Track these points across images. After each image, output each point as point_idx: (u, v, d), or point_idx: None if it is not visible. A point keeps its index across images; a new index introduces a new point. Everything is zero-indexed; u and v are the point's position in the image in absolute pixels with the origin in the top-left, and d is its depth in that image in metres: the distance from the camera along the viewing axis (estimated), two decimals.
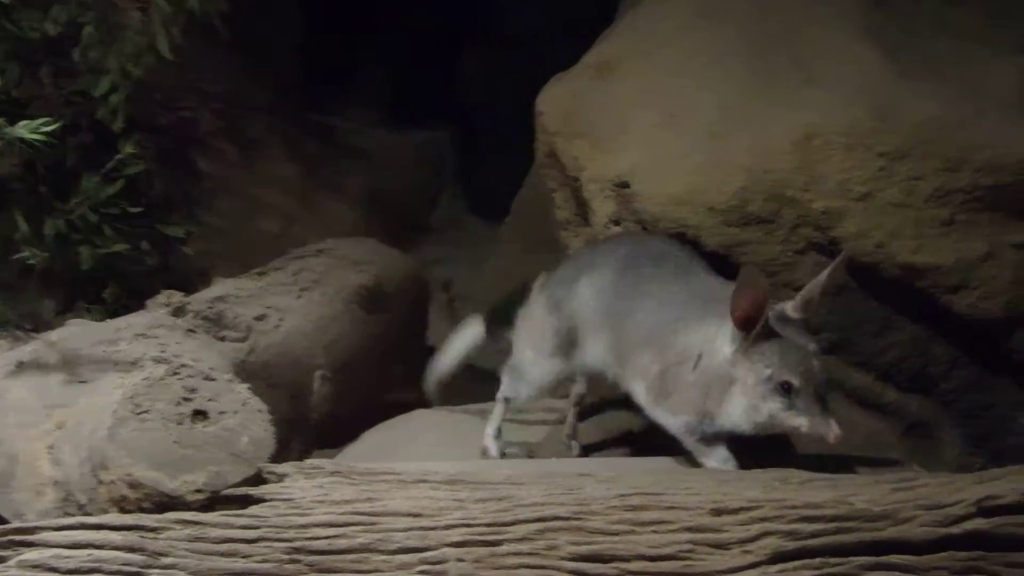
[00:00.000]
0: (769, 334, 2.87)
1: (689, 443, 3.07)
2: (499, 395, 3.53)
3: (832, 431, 2.82)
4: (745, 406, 2.91)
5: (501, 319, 3.58)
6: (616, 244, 3.46)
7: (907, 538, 2.53)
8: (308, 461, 2.66)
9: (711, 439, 3.04)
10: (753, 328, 2.85)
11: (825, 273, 2.93)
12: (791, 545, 2.49)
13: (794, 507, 2.55)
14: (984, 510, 2.57)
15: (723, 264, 3.46)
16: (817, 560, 2.49)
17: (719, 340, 2.96)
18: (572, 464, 3.29)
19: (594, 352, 3.32)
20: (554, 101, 3.93)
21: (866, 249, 3.40)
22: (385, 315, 4.26)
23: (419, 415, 3.88)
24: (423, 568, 2.34)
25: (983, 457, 3.38)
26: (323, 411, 3.81)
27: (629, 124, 3.69)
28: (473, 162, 5.37)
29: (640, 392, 3.15)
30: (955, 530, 2.54)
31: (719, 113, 3.57)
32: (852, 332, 3.48)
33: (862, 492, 2.65)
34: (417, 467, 2.73)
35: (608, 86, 3.81)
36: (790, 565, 2.46)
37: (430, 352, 4.39)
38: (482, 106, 4.82)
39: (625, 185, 3.63)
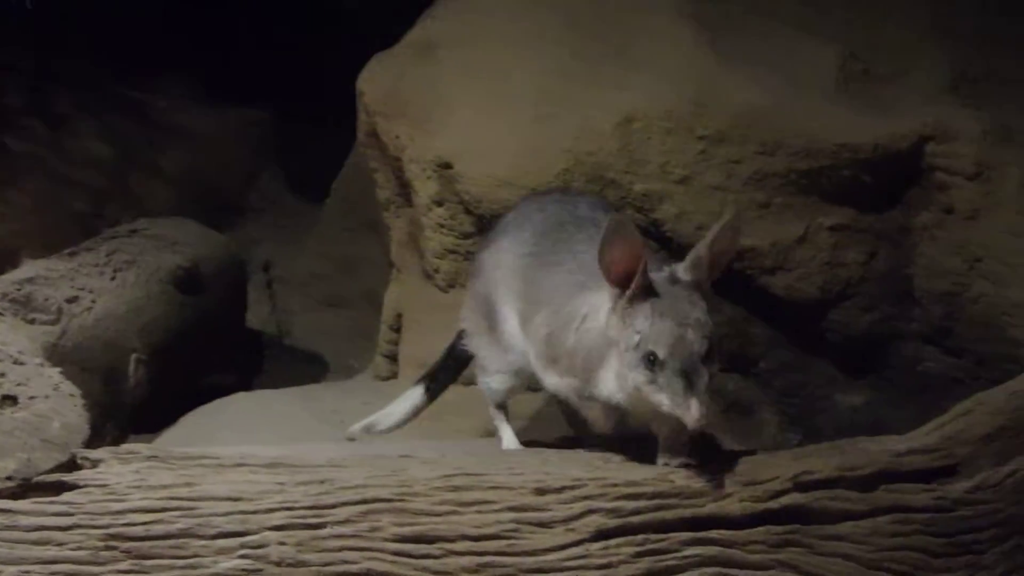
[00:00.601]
0: (649, 294, 2.50)
1: (584, 409, 2.86)
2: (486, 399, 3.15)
3: (690, 414, 2.42)
4: (616, 373, 2.59)
5: (440, 379, 3.26)
6: (542, 201, 3.06)
7: (726, 514, 2.55)
8: (124, 446, 2.55)
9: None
10: (629, 285, 2.50)
11: (714, 229, 2.56)
12: (613, 522, 2.49)
13: (616, 485, 2.55)
14: (800, 485, 2.61)
15: None
16: (639, 537, 2.50)
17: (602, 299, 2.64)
18: (395, 446, 3.24)
19: (512, 324, 2.95)
20: (375, 81, 3.88)
21: (686, 231, 3.43)
22: (202, 297, 4.18)
23: (238, 398, 3.80)
24: (244, 552, 2.29)
25: (799, 434, 3.44)
26: (139, 395, 3.72)
27: (452, 105, 3.66)
28: (294, 141, 5.28)
29: (532, 356, 2.88)
30: (772, 505, 2.57)
31: (542, 96, 3.56)
32: None
33: (677, 469, 2.67)
34: (236, 451, 2.64)
35: (430, 67, 3.77)
36: (612, 542, 2.47)
37: (250, 334, 4.37)
38: (304, 84, 4.73)
39: (448, 166, 3.61)
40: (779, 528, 2.60)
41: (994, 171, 3.42)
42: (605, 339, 2.58)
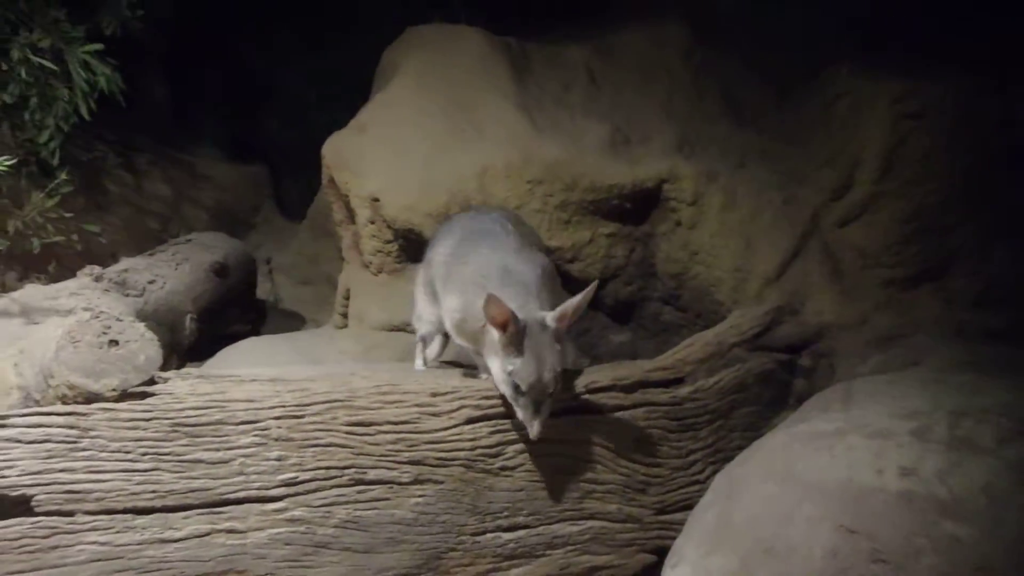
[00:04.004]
0: (523, 336, 2.25)
1: (474, 357, 2.57)
2: (416, 336, 2.89)
3: (533, 431, 2.24)
4: (496, 374, 2.31)
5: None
6: (466, 217, 2.79)
7: None
8: (182, 370, 2.47)
9: None
10: (505, 333, 2.25)
11: (579, 296, 2.33)
12: (477, 413, 2.40)
13: (478, 390, 2.44)
14: (590, 389, 2.54)
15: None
16: (492, 422, 2.41)
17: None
18: (345, 367, 3.06)
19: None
20: (332, 147, 3.64)
21: None
22: (228, 279, 3.97)
23: (251, 341, 3.63)
24: (255, 432, 2.22)
25: (588, 359, 3.27)
26: (191, 340, 3.57)
27: (375, 162, 3.45)
28: (281, 184, 5.10)
29: (447, 324, 2.58)
30: (573, 402, 2.50)
31: (429, 155, 3.36)
32: None
33: None
34: (249, 372, 2.52)
35: (363, 139, 3.54)
36: (477, 425, 2.39)
37: (258, 302, 4.22)
38: (287, 149, 4.53)
39: (376, 199, 3.40)
40: (575, 417, 2.53)
41: (704, 199, 3.29)
42: (495, 347, 2.31)
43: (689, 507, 2.36)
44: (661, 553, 2.30)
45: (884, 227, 2.92)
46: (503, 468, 2.35)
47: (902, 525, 1.97)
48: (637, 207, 3.30)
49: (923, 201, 2.93)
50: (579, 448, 2.43)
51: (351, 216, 3.60)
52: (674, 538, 2.26)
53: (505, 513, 2.31)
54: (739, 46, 3.49)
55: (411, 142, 3.39)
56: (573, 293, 3.27)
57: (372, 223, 3.43)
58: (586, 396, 2.50)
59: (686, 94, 3.49)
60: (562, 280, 3.28)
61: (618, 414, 2.52)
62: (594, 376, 2.57)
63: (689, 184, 3.27)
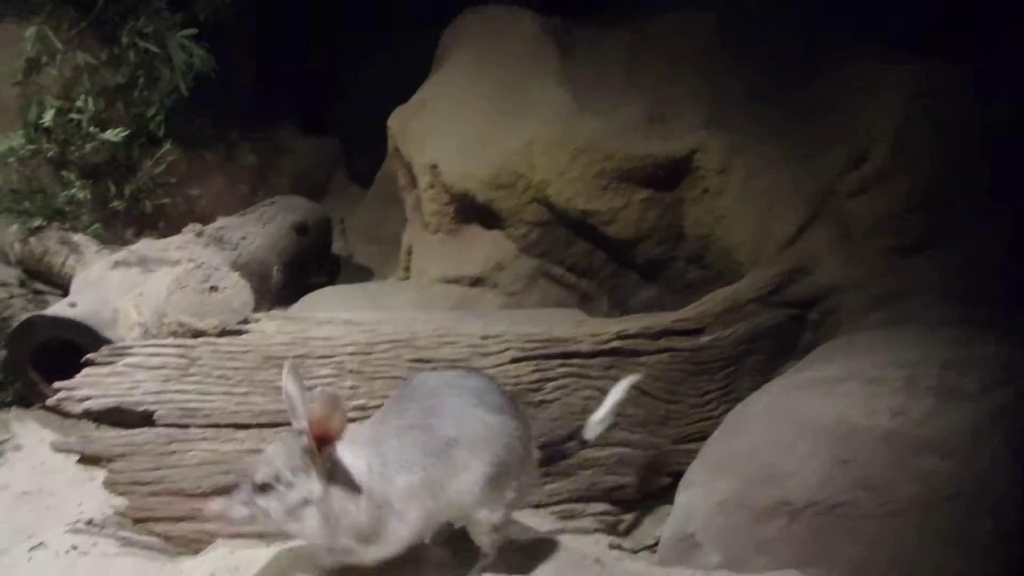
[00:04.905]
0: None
1: None
2: None
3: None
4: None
5: None
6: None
7: (580, 350, 2.59)
8: (270, 312, 2.68)
9: None
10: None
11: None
12: (521, 354, 2.53)
13: (523, 334, 2.57)
14: (620, 336, 2.63)
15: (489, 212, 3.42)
16: (535, 362, 2.54)
17: None
18: (407, 313, 3.22)
19: None
20: (397, 120, 3.79)
21: (561, 201, 3.36)
22: (308, 237, 4.08)
23: (328, 290, 3.78)
24: (332, 364, 2.36)
25: (619, 311, 3.39)
26: (277, 288, 3.68)
27: (434, 133, 3.58)
28: (353, 154, 5.20)
29: None
30: (605, 347, 2.61)
31: (482, 127, 3.48)
32: (554, 246, 3.45)
33: (559, 326, 2.68)
34: (326, 315, 2.69)
35: (424, 112, 3.68)
36: (521, 364, 2.51)
37: (333, 257, 4.35)
38: (357, 122, 4.66)
39: (435, 166, 3.53)
40: (608, 359, 2.62)
41: (730, 169, 3.35)
42: None
43: (703, 439, 2.49)
44: (676, 477, 2.43)
45: (890, 199, 2.96)
46: (542, 401, 2.49)
47: (888, 459, 2.08)
48: (669, 175, 3.37)
49: (928, 176, 2.97)
50: (608, 386, 2.55)
51: (413, 181, 3.72)
52: (688, 464, 2.40)
53: (542, 439, 2.47)
54: (764, 32, 3.51)
55: (466, 115, 3.51)
56: (610, 254, 3.41)
57: (431, 188, 3.55)
58: (617, 342, 2.62)
59: (714, 77, 3.53)
60: (599, 240, 3.41)
61: (644, 358, 2.64)
62: (625, 324, 2.68)
63: (717, 155, 3.33)
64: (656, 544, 2.27)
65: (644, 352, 2.64)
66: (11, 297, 3.20)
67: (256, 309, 2.52)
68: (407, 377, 2.01)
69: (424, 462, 1.80)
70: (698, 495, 2.19)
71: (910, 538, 1.95)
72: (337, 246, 4.42)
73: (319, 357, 2.36)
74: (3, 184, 3.30)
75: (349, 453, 1.76)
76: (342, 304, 3.38)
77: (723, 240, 3.33)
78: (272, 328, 2.43)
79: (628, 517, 2.52)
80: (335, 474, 1.73)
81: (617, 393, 2.11)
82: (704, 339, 2.74)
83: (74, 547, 2.16)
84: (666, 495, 2.48)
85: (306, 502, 1.72)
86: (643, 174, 3.36)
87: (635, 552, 2.29)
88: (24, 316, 2.80)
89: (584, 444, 2.10)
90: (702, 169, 3.36)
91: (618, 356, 2.61)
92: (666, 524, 2.25)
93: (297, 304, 3.52)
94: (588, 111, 3.42)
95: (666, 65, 3.58)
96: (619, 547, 2.29)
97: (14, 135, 3.49)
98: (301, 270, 3.93)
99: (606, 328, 2.66)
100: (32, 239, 3.30)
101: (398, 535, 1.79)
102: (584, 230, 3.40)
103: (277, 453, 1.74)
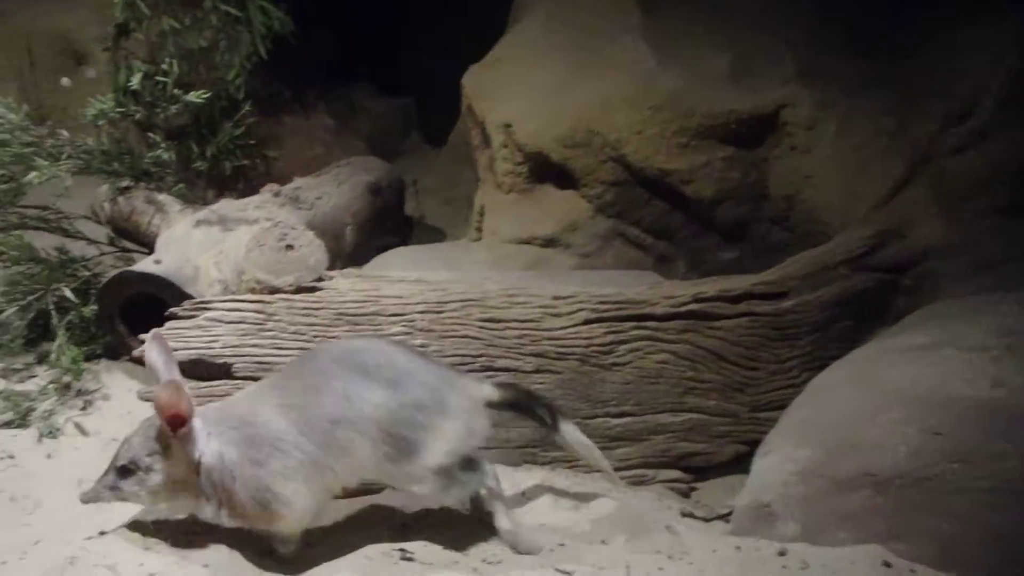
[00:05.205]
0: None
1: None
2: None
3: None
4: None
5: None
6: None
7: (654, 313, 2.56)
8: (344, 271, 2.70)
9: None
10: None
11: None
12: (593, 316, 2.50)
13: (595, 295, 2.55)
14: (696, 299, 2.57)
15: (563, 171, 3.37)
16: (607, 324, 2.51)
17: None
18: (479, 273, 3.22)
19: None
20: (471, 79, 3.76)
21: (638, 160, 3.29)
22: (381, 198, 4.09)
23: (400, 250, 3.79)
24: (403, 322, 2.40)
25: (697, 274, 3.29)
26: (350, 247, 3.71)
27: (508, 92, 3.54)
28: (426, 115, 5.20)
29: None
30: (681, 309, 2.56)
31: (557, 84, 3.42)
32: (630, 206, 3.37)
33: (633, 288, 2.64)
34: (398, 274, 2.73)
35: (498, 71, 3.65)
36: (593, 326, 2.49)
37: (405, 217, 4.39)
38: (431, 83, 4.65)
39: (508, 125, 3.49)
40: (683, 322, 2.57)
41: (820, 124, 3.23)
42: None
43: (782, 407, 2.41)
44: (753, 445, 2.37)
45: (995, 157, 2.78)
46: (614, 364, 2.46)
47: (987, 430, 1.97)
48: (753, 132, 3.26)
49: None
50: (683, 350, 2.50)
51: (487, 141, 3.70)
52: (766, 433, 2.33)
53: (614, 402, 2.44)
54: None
55: (541, 73, 3.46)
56: (689, 214, 3.34)
57: (505, 147, 3.52)
58: (693, 305, 2.56)
59: (805, 26, 3.38)
60: (677, 200, 3.32)
61: (721, 322, 2.57)
62: (702, 287, 2.62)
63: (806, 110, 3.21)
64: (729, 514, 2.22)
65: (722, 316, 2.57)
66: (101, 255, 3.34)
67: (329, 268, 2.58)
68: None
69: (301, 443, 1.79)
70: (776, 463, 2.12)
71: (1008, 516, 1.84)
72: (410, 207, 4.46)
73: (390, 315, 2.40)
74: (95, 146, 3.42)
75: (213, 433, 1.79)
76: (414, 264, 3.41)
77: (810, 200, 3.21)
78: (345, 286, 2.48)
79: (701, 485, 2.47)
80: (196, 455, 1.77)
81: (603, 464, 2.10)
82: (787, 303, 2.64)
83: None
84: (741, 464, 2.42)
85: (170, 483, 1.79)
86: (726, 131, 3.25)
87: (707, 520, 2.25)
88: (113, 272, 2.92)
89: (550, 433, 2.07)
90: (789, 125, 3.24)
91: (694, 319, 2.55)
92: (741, 493, 2.19)
93: (370, 264, 3.56)
94: (669, 65, 3.33)
95: (753, 15, 3.44)
96: (691, 515, 2.25)
97: (104, 99, 3.61)
98: (374, 230, 3.96)
99: (682, 290, 2.60)
100: (120, 199, 3.42)
101: (288, 514, 1.81)
102: (662, 190, 3.32)
103: (136, 437, 1.80)
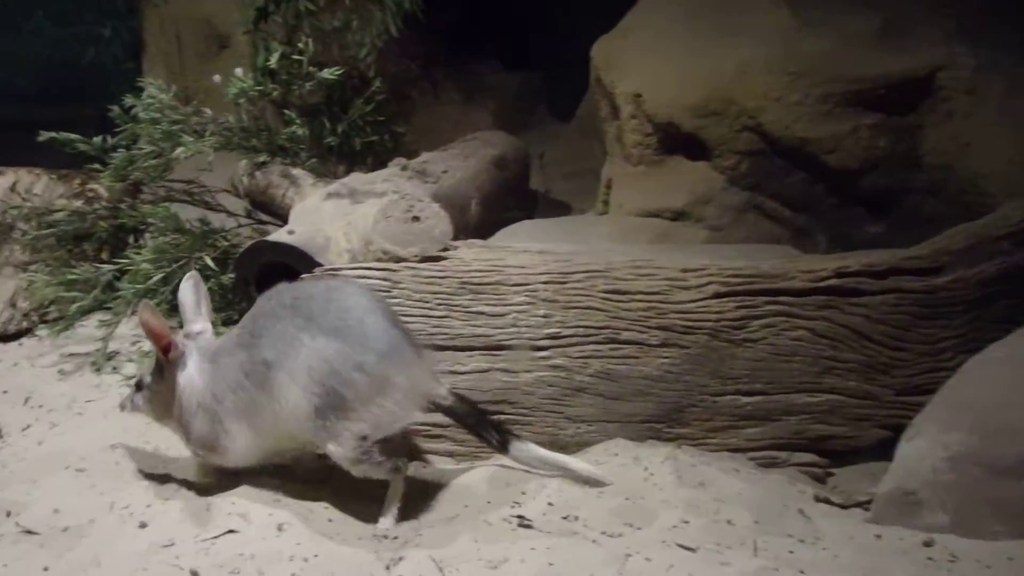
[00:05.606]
0: None
1: None
2: None
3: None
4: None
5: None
6: None
7: (791, 287, 2.43)
8: (466, 241, 2.69)
9: None
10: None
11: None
12: (724, 289, 2.41)
13: (727, 268, 2.45)
14: (838, 273, 2.45)
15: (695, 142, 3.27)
16: (738, 298, 2.40)
17: None
18: (604, 245, 3.18)
19: None
20: (600, 49, 3.71)
21: (777, 128, 3.16)
22: (506, 172, 4.12)
23: (525, 223, 3.83)
24: (526, 292, 2.39)
25: (839, 249, 3.13)
26: (476, 220, 3.73)
27: (638, 61, 3.47)
28: (553, 89, 5.17)
29: None
30: (820, 284, 2.44)
31: (689, 52, 3.33)
32: (767, 177, 3.24)
33: (768, 262, 2.52)
34: (522, 245, 2.72)
35: (628, 41, 3.58)
36: (724, 300, 2.40)
37: (531, 191, 4.40)
38: (559, 57, 4.62)
39: (638, 95, 3.43)
40: (822, 298, 2.44)
41: (982, 88, 3.02)
42: None
43: (932, 391, 2.24)
44: (897, 431, 2.22)
45: None
46: (746, 340, 2.37)
47: None
48: (904, 97, 3.07)
49: None
50: (822, 327, 2.38)
51: (615, 112, 3.65)
52: (911, 418, 2.18)
53: (745, 379, 2.35)
54: None
55: (673, 41, 3.38)
56: (831, 185, 3.17)
57: (634, 118, 3.46)
58: (835, 280, 2.43)
59: None
60: (819, 170, 3.18)
61: (866, 298, 2.43)
62: (845, 261, 2.48)
63: (965, 72, 3.01)
64: (869, 501, 2.10)
65: (866, 292, 2.42)
66: (239, 226, 3.53)
67: (454, 239, 2.61)
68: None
69: (243, 383, 1.90)
70: (924, 449, 1.98)
71: None
72: (535, 181, 4.47)
73: (513, 285, 2.40)
74: (235, 123, 3.61)
75: (195, 365, 1.98)
76: (538, 237, 3.41)
77: (969, 169, 2.99)
78: (469, 255, 2.51)
79: (838, 471, 2.35)
80: (180, 379, 1.97)
81: (576, 465, 2.05)
82: (941, 280, 2.45)
83: None
84: (883, 451, 2.28)
85: (160, 402, 2.01)
86: (874, 96, 3.07)
87: (845, 507, 2.13)
88: (249, 242, 3.08)
89: (499, 450, 2.05)
90: (946, 90, 3.04)
91: (835, 295, 2.41)
92: (884, 479, 2.07)
93: (494, 237, 3.59)
94: (811, 28, 3.17)
95: None
96: (826, 500, 2.14)
97: (244, 78, 3.80)
98: (499, 204, 3.98)
99: (822, 264, 2.47)
100: (258, 173, 3.60)
101: (231, 450, 1.96)
102: (802, 160, 3.17)
103: (153, 359, 2.03)
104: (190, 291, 2.11)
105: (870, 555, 1.79)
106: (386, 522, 1.95)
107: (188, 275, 2.15)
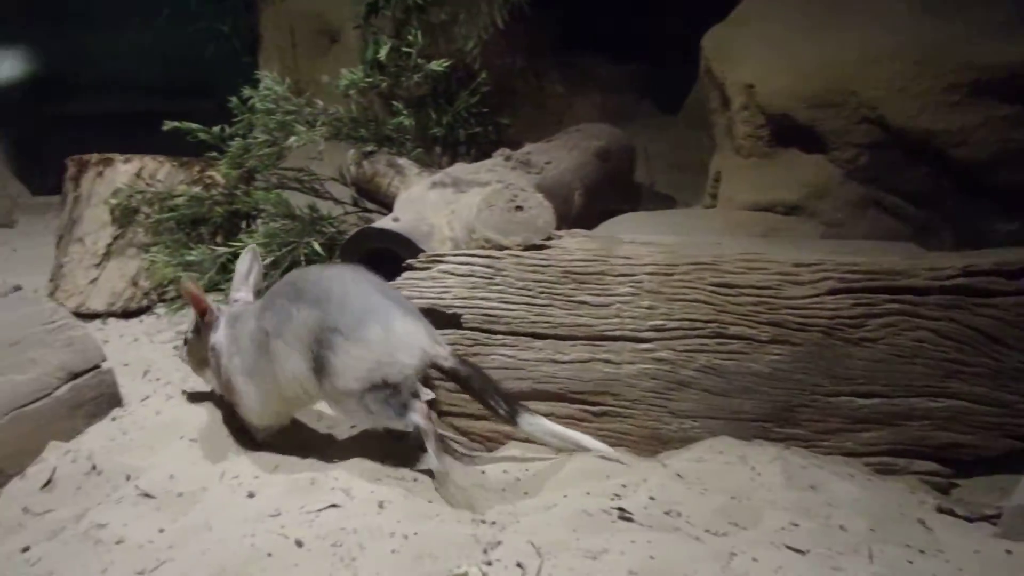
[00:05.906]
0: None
1: None
2: None
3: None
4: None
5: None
6: None
7: (914, 285, 2.31)
8: (572, 231, 2.70)
9: None
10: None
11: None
12: (841, 285, 2.31)
13: (844, 263, 2.35)
14: (966, 272, 2.31)
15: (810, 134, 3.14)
16: (856, 295, 2.30)
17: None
18: (712, 237, 3.10)
19: None
20: (711, 40, 3.64)
21: (900, 120, 3.02)
22: (610, 163, 4.09)
23: (628, 216, 3.77)
24: (630, 283, 2.37)
25: (967, 247, 2.96)
26: (579, 211, 3.75)
27: (751, 51, 3.39)
28: (659, 81, 5.12)
29: None
30: (947, 283, 2.31)
31: (805, 41, 3.22)
32: (888, 171, 3.11)
33: (888, 258, 2.40)
34: (627, 236, 2.69)
35: (740, 31, 3.50)
36: (839, 296, 2.30)
37: (635, 184, 4.33)
38: (665, 49, 4.55)
39: (751, 86, 3.34)
40: (947, 298, 2.31)
41: None
42: None
43: None
44: None
45: None
46: (863, 339, 2.26)
47: None
48: None
49: None
50: (947, 328, 2.25)
51: (725, 103, 3.57)
52: None
53: (861, 380, 2.25)
54: None
55: (788, 30, 3.28)
56: (958, 180, 3.00)
57: (745, 109, 3.38)
58: (962, 279, 2.29)
59: None
60: (944, 164, 3.02)
61: (998, 299, 2.28)
62: (973, 259, 2.33)
63: None
64: (998, 515, 1.97)
65: (997, 292, 2.27)
66: (346, 213, 3.63)
67: (557, 229, 2.60)
68: None
69: (249, 348, 2.14)
70: None
71: None
72: (640, 173, 4.40)
73: (618, 275, 2.37)
74: (344, 114, 3.71)
75: (223, 329, 2.24)
76: (642, 229, 3.36)
77: None
78: (573, 245, 2.49)
79: (962, 482, 2.21)
80: (212, 339, 2.25)
81: (589, 443, 2.13)
82: None
83: None
84: (1013, 462, 2.14)
85: (198, 357, 2.32)
86: (1008, 86, 2.89)
87: (970, 520, 2.01)
88: (356, 229, 3.16)
89: (506, 420, 2.11)
90: None
91: (963, 295, 2.27)
92: (1015, 492, 1.94)
93: (597, 228, 3.55)
94: (936, 13, 3.02)
95: None
96: (950, 512, 2.02)
97: (354, 71, 3.90)
98: (602, 195, 3.96)
99: (949, 262, 2.33)
100: (365, 162, 3.68)
101: (245, 405, 2.18)
102: (926, 153, 3.02)
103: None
104: (245, 263, 2.40)
105: (997, 570, 1.68)
106: (432, 462, 2.02)
107: (247, 248, 2.44)
